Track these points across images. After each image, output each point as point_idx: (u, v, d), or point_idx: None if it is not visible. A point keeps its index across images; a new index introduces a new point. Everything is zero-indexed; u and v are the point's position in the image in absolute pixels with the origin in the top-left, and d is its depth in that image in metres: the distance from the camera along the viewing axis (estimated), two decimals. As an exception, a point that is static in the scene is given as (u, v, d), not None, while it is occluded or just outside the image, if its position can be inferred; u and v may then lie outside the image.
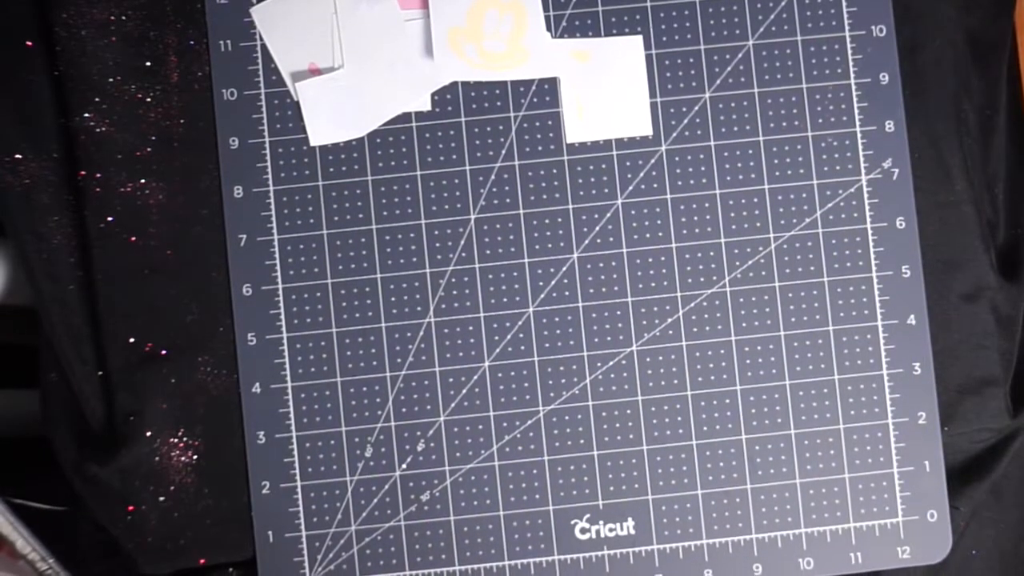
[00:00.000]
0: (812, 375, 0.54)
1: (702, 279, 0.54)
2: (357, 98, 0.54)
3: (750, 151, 0.54)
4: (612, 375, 0.54)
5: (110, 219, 0.54)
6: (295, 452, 0.53)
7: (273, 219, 0.54)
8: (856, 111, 0.54)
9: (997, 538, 0.55)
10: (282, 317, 0.54)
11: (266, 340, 0.54)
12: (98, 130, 0.54)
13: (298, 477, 0.53)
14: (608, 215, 0.54)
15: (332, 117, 0.54)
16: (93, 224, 0.54)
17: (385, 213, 0.54)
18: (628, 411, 0.54)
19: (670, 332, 0.54)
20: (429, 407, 0.54)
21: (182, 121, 0.54)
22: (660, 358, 0.54)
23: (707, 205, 0.54)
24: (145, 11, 0.54)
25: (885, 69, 0.55)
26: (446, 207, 0.54)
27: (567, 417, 0.54)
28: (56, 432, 0.54)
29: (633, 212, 0.54)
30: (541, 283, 0.54)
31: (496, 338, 0.54)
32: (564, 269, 0.54)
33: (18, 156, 0.54)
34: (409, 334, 0.54)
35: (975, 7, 0.56)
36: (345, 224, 0.54)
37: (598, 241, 0.54)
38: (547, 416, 0.54)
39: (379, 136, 0.54)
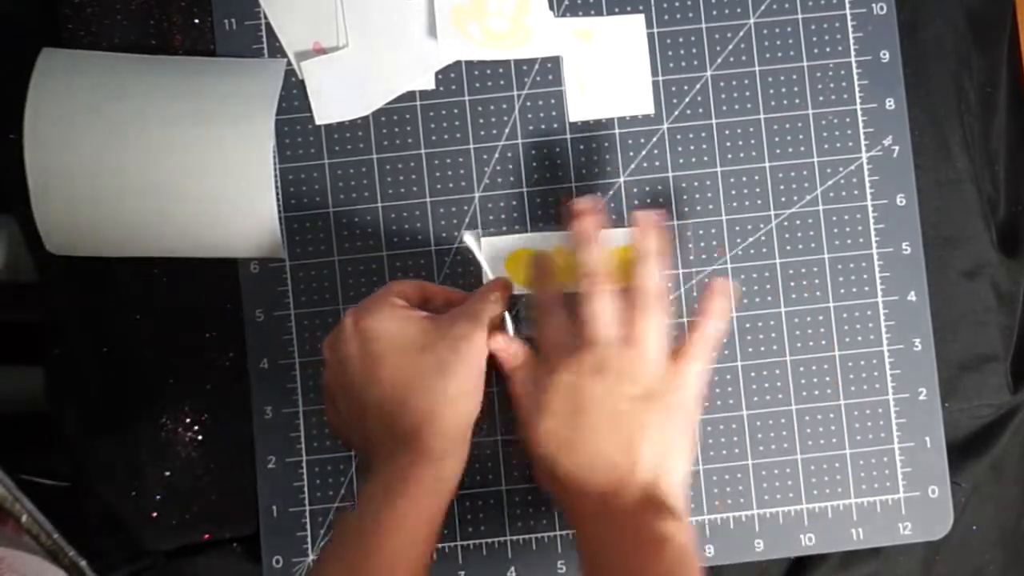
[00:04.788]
0: (813, 351, 0.54)
1: (703, 256, 0.55)
2: (362, 77, 0.54)
3: (751, 129, 0.55)
4: (615, 351, 0.54)
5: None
6: (301, 427, 0.54)
7: (280, 197, 0.54)
8: (857, 89, 0.55)
9: (998, 514, 0.56)
10: (289, 293, 0.54)
11: (273, 316, 0.54)
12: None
13: (303, 452, 0.54)
14: (611, 193, 0.55)
15: (337, 96, 0.54)
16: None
17: (390, 191, 0.55)
18: (631, 387, 0.54)
19: (671, 309, 0.54)
20: (433, 383, 0.54)
21: (188, 100, 0.55)
22: (662, 334, 0.54)
23: (708, 183, 0.55)
24: (151, -10, 0.55)
25: (886, 47, 0.55)
26: (451, 185, 0.55)
27: (570, 393, 0.54)
28: (61, 408, 0.55)
29: (635, 190, 0.55)
30: (544, 260, 0.54)
31: (499, 315, 0.54)
32: (567, 246, 0.54)
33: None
34: (413, 310, 0.54)
35: (975, -15, 0.56)
36: (351, 202, 0.54)
37: (601, 218, 0.55)
38: (550, 392, 0.54)
39: (384, 115, 0.55)
